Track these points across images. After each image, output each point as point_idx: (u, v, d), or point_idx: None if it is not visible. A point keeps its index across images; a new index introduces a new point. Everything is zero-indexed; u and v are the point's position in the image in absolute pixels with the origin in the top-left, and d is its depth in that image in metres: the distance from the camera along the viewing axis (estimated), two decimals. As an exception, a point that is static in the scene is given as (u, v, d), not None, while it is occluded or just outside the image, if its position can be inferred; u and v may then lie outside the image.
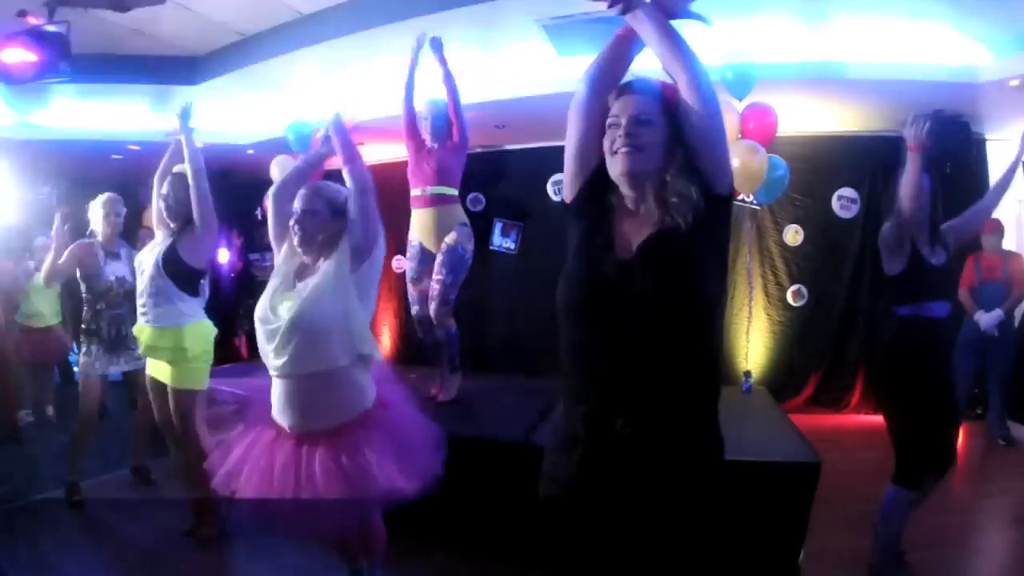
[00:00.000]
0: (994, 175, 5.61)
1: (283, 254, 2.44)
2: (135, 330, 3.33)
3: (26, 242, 6.01)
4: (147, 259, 3.23)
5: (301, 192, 2.35)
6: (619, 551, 1.42)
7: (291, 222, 2.32)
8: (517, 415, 3.51)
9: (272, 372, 2.28)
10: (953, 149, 4.93)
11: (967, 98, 4.77)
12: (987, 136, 5.60)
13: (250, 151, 7.35)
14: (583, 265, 1.49)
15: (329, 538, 2.59)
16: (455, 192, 3.91)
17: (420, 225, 3.91)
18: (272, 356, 2.25)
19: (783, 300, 6.03)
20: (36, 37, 4.25)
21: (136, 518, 3.66)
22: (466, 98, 4.47)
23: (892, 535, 2.85)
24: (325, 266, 2.29)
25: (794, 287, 5.99)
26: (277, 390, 2.29)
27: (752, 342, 5.69)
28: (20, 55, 4.28)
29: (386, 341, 7.47)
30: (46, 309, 5.46)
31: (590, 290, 1.45)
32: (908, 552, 2.95)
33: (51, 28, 4.29)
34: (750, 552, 2.70)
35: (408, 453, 2.32)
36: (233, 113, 6.93)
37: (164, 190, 3.26)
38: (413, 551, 2.97)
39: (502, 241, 6.78)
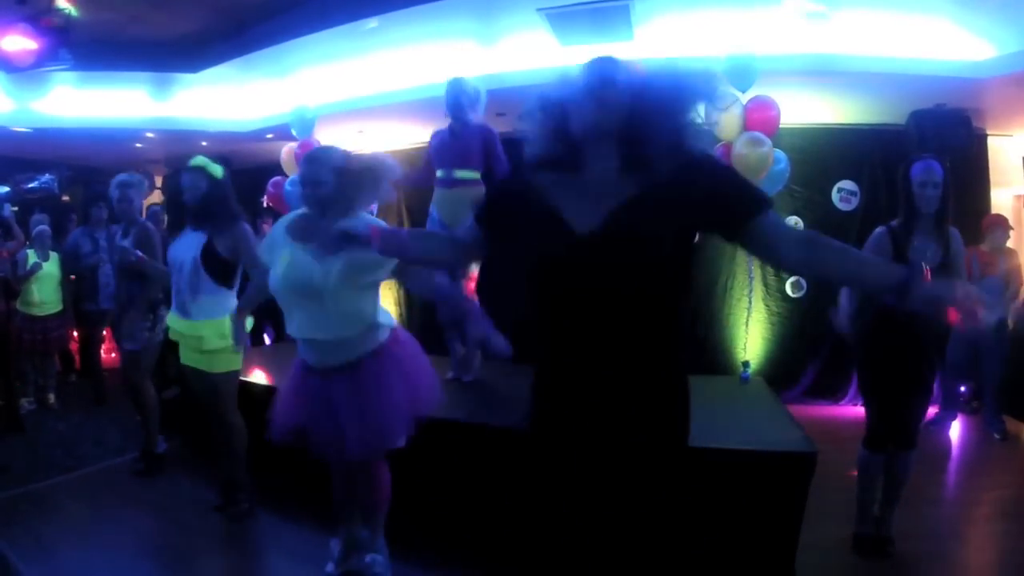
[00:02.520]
0: (995, 171, 5.62)
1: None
2: (170, 320, 3.40)
3: (26, 230, 6.02)
4: (183, 254, 3.28)
5: (301, 161, 2.47)
6: (586, 490, 1.53)
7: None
8: (519, 402, 3.52)
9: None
10: (954, 144, 4.94)
11: (969, 93, 4.77)
12: (988, 131, 5.59)
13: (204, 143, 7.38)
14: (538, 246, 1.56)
15: (341, 479, 2.73)
16: (478, 175, 3.96)
17: (442, 204, 3.97)
18: (298, 325, 2.46)
19: (782, 291, 6.03)
20: (37, 24, 4.24)
21: (138, 503, 3.69)
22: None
23: (864, 494, 3.08)
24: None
25: (793, 278, 6.00)
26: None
27: (751, 333, 5.70)
28: (21, 42, 4.27)
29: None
30: (48, 297, 5.47)
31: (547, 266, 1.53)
32: (897, 540, 3.03)
33: (52, 15, 4.27)
34: (745, 541, 2.73)
35: (415, 385, 2.55)
36: (233, 100, 6.93)
37: (185, 188, 3.30)
38: (415, 537, 3.00)
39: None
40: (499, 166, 3.90)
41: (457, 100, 3.85)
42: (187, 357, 3.34)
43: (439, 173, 3.96)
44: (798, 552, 2.73)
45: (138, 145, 7.78)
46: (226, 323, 3.21)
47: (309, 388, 2.53)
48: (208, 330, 3.22)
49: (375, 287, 2.53)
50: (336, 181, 2.38)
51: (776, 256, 1.53)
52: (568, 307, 1.48)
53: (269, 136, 7.15)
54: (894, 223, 2.91)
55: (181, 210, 3.50)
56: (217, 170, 3.31)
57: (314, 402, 2.50)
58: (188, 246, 3.29)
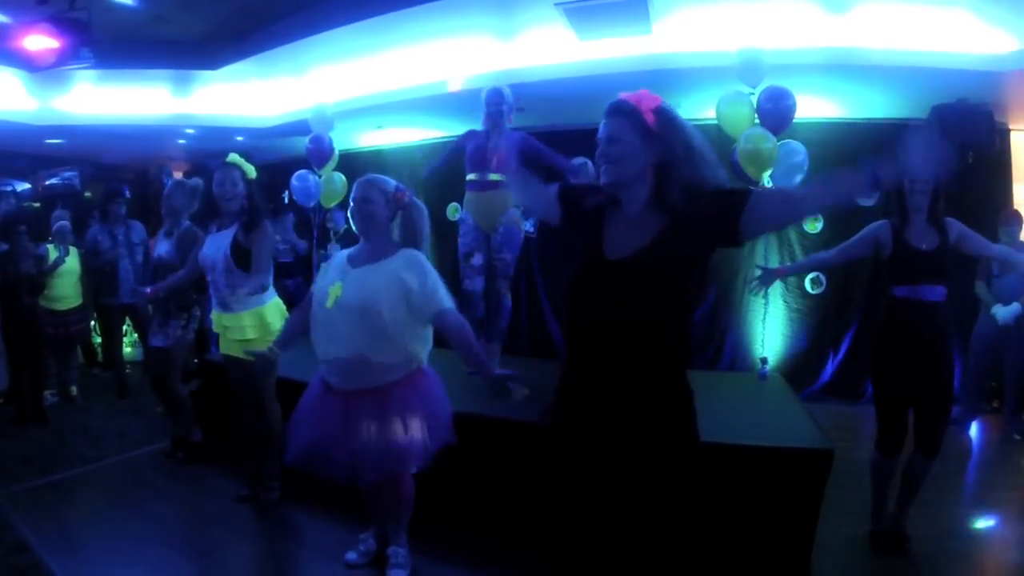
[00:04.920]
0: (1017, 165, 5.53)
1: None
2: (213, 316, 3.48)
3: (48, 227, 6.09)
4: (214, 254, 3.36)
5: (356, 183, 2.65)
6: (603, 481, 1.67)
7: (348, 211, 2.64)
8: (537, 396, 3.55)
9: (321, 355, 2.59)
10: (976, 139, 4.87)
11: (991, 86, 4.69)
12: (1011, 126, 5.50)
13: (239, 138, 7.49)
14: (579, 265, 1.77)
15: (366, 488, 2.78)
16: None
17: (475, 207, 4.06)
18: (324, 341, 2.55)
19: (801, 287, 6.00)
20: (58, 24, 4.29)
21: (161, 494, 3.75)
22: (487, 81, 4.48)
23: (877, 493, 3.09)
24: (383, 266, 2.52)
25: (812, 275, 5.96)
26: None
27: (769, 329, 5.67)
28: (43, 42, 4.32)
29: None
30: (68, 292, 5.54)
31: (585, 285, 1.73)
32: (916, 540, 3.02)
33: (73, 15, 4.32)
34: (761, 538, 2.73)
35: (434, 419, 2.60)
36: (253, 96, 6.98)
37: (216, 183, 3.38)
38: (433, 527, 3.02)
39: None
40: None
41: (499, 109, 3.95)
42: (227, 346, 3.44)
43: (472, 176, 4.04)
44: (814, 549, 2.73)
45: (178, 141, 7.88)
46: (266, 311, 3.36)
47: (327, 408, 2.58)
48: (250, 319, 3.34)
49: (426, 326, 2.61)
50: (383, 202, 2.58)
51: (775, 221, 1.76)
52: (593, 318, 1.68)
53: (239, 138, 7.29)
54: (894, 219, 3.00)
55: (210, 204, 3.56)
56: (250, 169, 3.43)
57: (332, 423, 2.54)
58: (218, 245, 3.36)
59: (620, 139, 1.67)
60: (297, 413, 2.69)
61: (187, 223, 4.08)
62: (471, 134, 4.11)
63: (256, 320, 3.34)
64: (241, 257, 3.29)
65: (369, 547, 2.92)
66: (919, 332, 2.86)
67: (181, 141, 7.86)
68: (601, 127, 1.72)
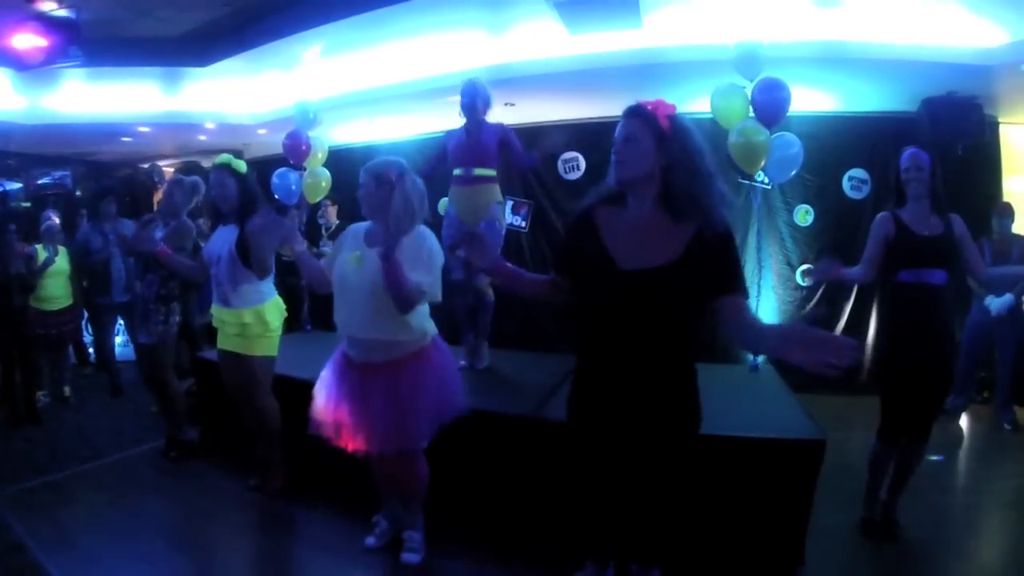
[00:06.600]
0: (1007, 158, 5.56)
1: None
2: (213, 311, 3.52)
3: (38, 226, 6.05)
4: (219, 249, 3.40)
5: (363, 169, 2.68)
6: (616, 468, 1.83)
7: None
8: (529, 389, 3.59)
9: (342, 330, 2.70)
10: (965, 132, 4.90)
11: (981, 80, 4.72)
12: (1000, 119, 5.54)
13: (201, 137, 7.50)
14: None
15: (379, 467, 2.86)
16: (494, 172, 4.04)
17: (459, 201, 4.05)
18: (347, 320, 2.66)
19: (792, 280, 6.03)
20: (46, 22, 4.27)
21: (157, 492, 3.75)
22: (479, 76, 4.45)
23: (872, 482, 3.14)
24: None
25: (804, 267, 6.00)
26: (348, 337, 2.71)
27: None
28: (31, 40, 4.30)
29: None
30: (59, 292, 5.52)
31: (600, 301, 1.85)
32: (906, 527, 3.06)
33: (61, 13, 4.29)
34: (755, 526, 2.75)
35: (446, 392, 2.72)
36: (242, 93, 6.96)
37: (211, 188, 3.47)
38: (443, 516, 3.03)
39: (512, 219, 6.78)
40: (516, 158, 3.98)
41: (472, 102, 3.92)
42: (225, 342, 3.47)
43: (457, 171, 4.01)
44: (808, 537, 2.75)
45: (138, 132, 7.85)
46: (266, 309, 3.41)
47: (348, 382, 2.68)
48: (250, 316, 3.39)
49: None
50: (373, 186, 2.59)
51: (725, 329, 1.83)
52: (610, 326, 1.81)
53: (261, 131, 7.22)
54: (898, 210, 3.00)
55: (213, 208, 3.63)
56: (241, 166, 3.46)
57: (351, 396, 2.65)
58: (223, 241, 3.41)
59: (637, 139, 1.78)
60: (320, 385, 2.79)
61: (183, 218, 4.08)
62: (450, 134, 4.10)
63: (256, 317, 3.38)
64: (246, 251, 3.33)
65: (383, 528, 2.96)
66: (926, 313, 2.89)
67: (126, 138, 7.82)
68: (619, 127, 1.82)
